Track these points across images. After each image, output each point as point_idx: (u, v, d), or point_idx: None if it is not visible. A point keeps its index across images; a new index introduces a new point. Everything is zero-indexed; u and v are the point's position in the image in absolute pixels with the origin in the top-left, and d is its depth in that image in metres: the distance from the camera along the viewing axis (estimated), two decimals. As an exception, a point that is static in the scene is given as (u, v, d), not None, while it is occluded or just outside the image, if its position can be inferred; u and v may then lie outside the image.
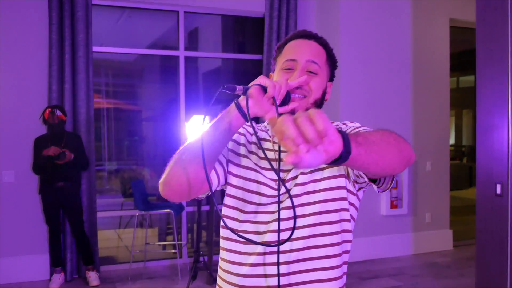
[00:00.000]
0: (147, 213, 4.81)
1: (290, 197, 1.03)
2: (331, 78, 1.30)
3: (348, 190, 1.22)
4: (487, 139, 3.15)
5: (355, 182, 1.22)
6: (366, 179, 1.13)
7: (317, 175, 1.20)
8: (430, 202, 5.45)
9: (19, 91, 4.42)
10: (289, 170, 1.24)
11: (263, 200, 1.22)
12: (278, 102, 1.10)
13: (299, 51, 1.24)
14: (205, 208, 5.12)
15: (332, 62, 1.30)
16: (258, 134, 1.30)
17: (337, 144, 0.77)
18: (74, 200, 4.32)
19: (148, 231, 5.07)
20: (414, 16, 5.31)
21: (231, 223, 1.24)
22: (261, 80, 1.09)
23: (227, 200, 1.27)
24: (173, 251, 5.03)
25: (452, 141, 12.64)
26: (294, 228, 1.09)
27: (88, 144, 4.52)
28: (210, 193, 1.19)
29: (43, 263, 4.47)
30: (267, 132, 1.32)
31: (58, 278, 4.31)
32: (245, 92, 1.07)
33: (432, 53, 5.43)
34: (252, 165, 1.26)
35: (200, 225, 4.37)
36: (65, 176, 4.20)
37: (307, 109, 1.15)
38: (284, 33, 5.05)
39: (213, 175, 1.21)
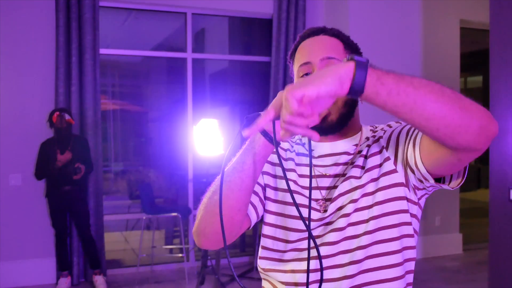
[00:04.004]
0: (154, 216, 4.77)
1: (314, 241, 0.91)
2: None
3: (408, 200, 1.05)
4: (500, 144, 3.09)
5: (416, 188, 1.05)
6: (433, 181, 0.97)
7: (371, 187, 1.05)
8: (439, 206, 5.39)
9: (26, 94, 4.39)
10: (333, 187, 1.08)
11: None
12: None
13: (310, 51, 1.09)
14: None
15: (352, 50, 1.15)
16: (293, 149, 1.17)
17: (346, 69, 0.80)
18: (81, 203, 4.29)
19: (155, 233, 5.03)
20: (424, 17, 5.25)
21: (273, 254, 1.11)
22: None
23: (266, 230, 1.13)
24: (180, 254, 5.00)
25: (459, 142, 12.50)
26: (321, 280, 0.95)
27: (95, 147, 4.49)
28: (250, 227, 1.12)
29: (50, 267, 4.44)
30: (303, 146, 1.17)
31: (65, 282, 4.28)
32: None
33: (442, 54, 5.36)
34: (290, 186, 1.10)
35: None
36: (72, 180, 4.16)
37: (340, 114, 1.06)
38: (293, 35, 4.99)
39: (249, 210, 1.09)
